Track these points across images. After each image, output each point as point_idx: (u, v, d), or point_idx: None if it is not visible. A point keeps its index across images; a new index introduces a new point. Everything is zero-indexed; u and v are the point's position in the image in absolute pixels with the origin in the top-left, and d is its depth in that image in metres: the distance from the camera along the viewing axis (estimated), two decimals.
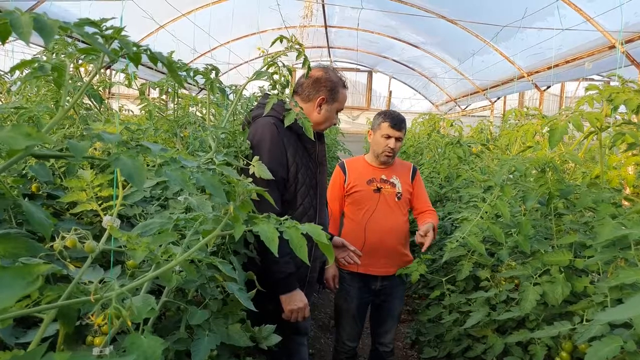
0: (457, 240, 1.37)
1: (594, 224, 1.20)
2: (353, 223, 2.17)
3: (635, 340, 0.80)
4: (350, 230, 2.17)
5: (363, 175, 2.18)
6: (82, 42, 0.53)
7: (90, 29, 0.53)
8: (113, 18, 0.57)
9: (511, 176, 1.48)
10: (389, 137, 2.12)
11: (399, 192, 2.17)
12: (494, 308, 1.59)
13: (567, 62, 5.08)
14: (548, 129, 1.25)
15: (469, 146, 2.32)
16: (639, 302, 0.51)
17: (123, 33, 0.58)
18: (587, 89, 1.27)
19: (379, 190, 2.15)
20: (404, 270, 2.08)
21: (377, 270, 2.15)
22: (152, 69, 6.38)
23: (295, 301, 1.50)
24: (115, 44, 0.61)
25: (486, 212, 1.43)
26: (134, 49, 0.56)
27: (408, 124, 2.21)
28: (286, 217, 0.70)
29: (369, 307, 2.29)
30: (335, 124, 1.77)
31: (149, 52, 0.60)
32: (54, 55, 1.44)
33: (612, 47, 4.28)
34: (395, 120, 2.12)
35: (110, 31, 0.56)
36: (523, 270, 1.33)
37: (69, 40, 1.52)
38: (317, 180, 1.67)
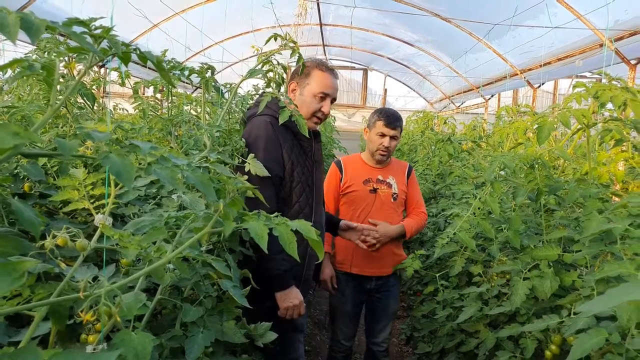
0: (448, 237, 1.39)
1: (582, 219, 1.22)
2: None
3: (619, 332, 0.81)
4: None
5: (359, 175, 2.16)
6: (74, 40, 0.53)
7: (78, 29, 0.53)
8: (102, 17, 0.58)
9: (502, 173, 1.50)
10: (383, 135, 2.09)
11: (394, 193, 2.15)
12: (486, 303, 1.60)
13: (559, 59, 5.11)
14: (537, 126, 1.27)
15: (460, 143, 2.34)
16: (618, 294, 0.53)
17: (112, 32, 0.58)
18: (574, 87, 1.29)
19: (375, 190, 2.13)
20: (399, 266, 2.08)
21: (371, 271, 2.14)
22: (146, 67, 6.35)
23: (291, 298, 1.50)
24: (106, 43, 0.61)
25: (478, 208, 1.44)
26: (123, 48, 0.57)
27: (402, 122, 2.23)
28: (276, 214, 0.70)
29: (364, 306, 2.28)
30: (322, 111, 1.63)
31: (138, 52, 0.60)
32: (46, 54, 1.43)
33: (603, 44, 4.31)
34: (390, 119, 2.09)
35: (99, 30, 0.56)
36: (513, 265, 1.35)
37: (62, 39, 1.51)
38: (313, 178, 1.67)
